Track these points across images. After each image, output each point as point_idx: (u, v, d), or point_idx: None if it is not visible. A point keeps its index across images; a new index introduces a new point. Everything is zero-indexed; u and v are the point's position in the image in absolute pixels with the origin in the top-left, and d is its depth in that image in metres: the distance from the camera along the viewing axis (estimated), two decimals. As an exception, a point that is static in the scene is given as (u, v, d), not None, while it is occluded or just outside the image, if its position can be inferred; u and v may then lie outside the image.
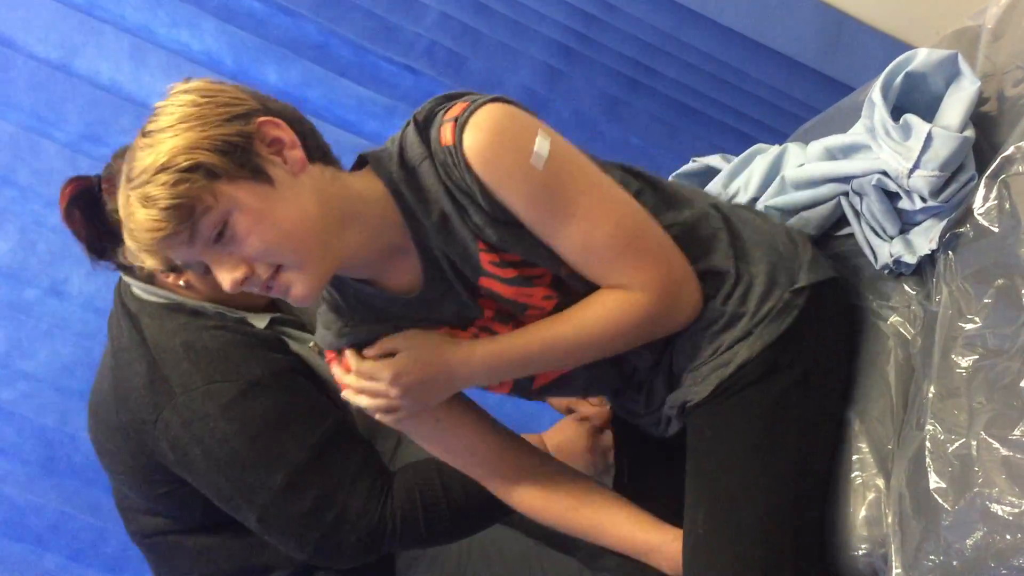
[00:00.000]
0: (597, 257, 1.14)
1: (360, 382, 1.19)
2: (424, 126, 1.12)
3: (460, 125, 1.08)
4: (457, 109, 1.10)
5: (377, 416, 1.22)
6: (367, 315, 1.21)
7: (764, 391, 1.19)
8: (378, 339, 1.21)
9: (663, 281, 1.16)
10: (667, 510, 1.28)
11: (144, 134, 1.06)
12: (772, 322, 1.20)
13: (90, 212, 1.41)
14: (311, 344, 1.49)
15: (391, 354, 1.19)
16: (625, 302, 1.15)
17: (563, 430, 1.63)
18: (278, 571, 1.49)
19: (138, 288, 1.46)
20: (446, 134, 1.09)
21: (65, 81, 2.16)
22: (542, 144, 1.09)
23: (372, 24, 2.31)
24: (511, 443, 1.32)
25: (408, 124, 1.14)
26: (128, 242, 1.06)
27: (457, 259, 1.16)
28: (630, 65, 2.45)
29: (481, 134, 1.07)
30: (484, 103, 1.09)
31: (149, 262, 1.06)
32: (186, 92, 1.07)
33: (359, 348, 1.21)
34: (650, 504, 1.31)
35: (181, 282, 1.43)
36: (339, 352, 1.23)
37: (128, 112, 2.18)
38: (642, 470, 1.36)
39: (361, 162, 1.17)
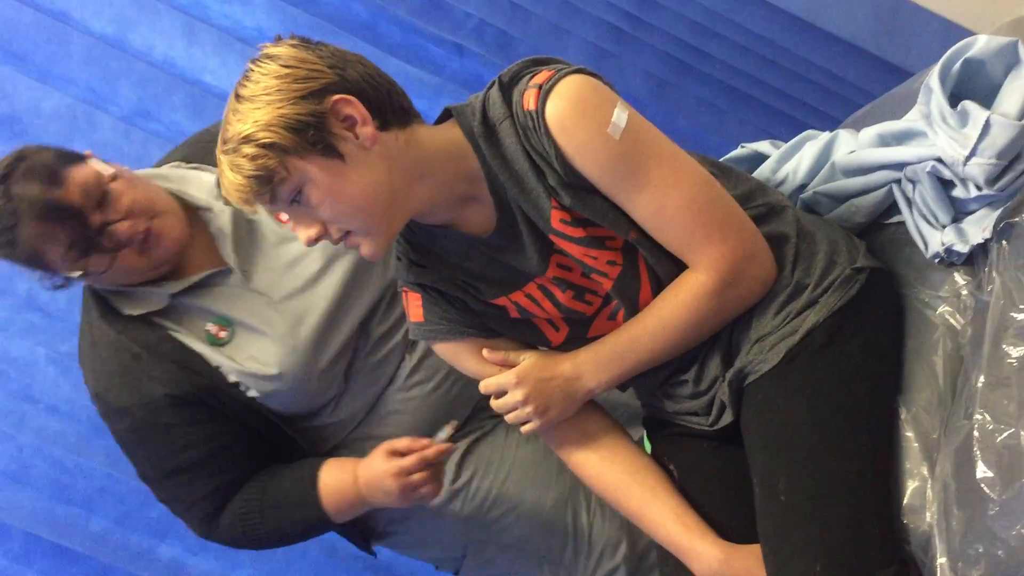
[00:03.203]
0: (669, 225, 1.19)
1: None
2: (508, 87, 1.18)
3: (544, 92, 1.13)
4: (542, 76, 1.15)
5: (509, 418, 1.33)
6: (432, 258, 1.29)
7: (832, 355, 1.22)
8: (437, 284, 1.29)
9: (730, 257, 1.20)
10: (719, 511, 1.30)
11: (236, 97, 1.13)
12: (836, 291, 1.24)
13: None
14: (208, 326, 1.51)
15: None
16: (693, 287, 1.22)
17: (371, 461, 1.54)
18: None
19: None
20: (529, 100, 1.14)
21: (120, 57, 2.19)
22: (620, 115, 1.14)
23: (421, 3, 2.32)
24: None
25: (493, 83, 1.19)
26: (224, 195, 1.15)
27: (530, 212, 1.21)
28: (679, 47, 2.43)
29: (563, 103, 1.13)
30: (568, 73, 1.14)
31: (244, 209, 1.16)
32: (271, 59, 1.13)
33: (420, 289, 1.31)
34: (703, 506, 1.31)
35: (75, 273, 1.43)
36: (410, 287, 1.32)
37: (180, 89, 2.21)
38: (691, 473, 1.36)
39: (446, 114, 1.23)
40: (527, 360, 1.31)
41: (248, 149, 1.09)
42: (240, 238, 1.52)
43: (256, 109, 1.10)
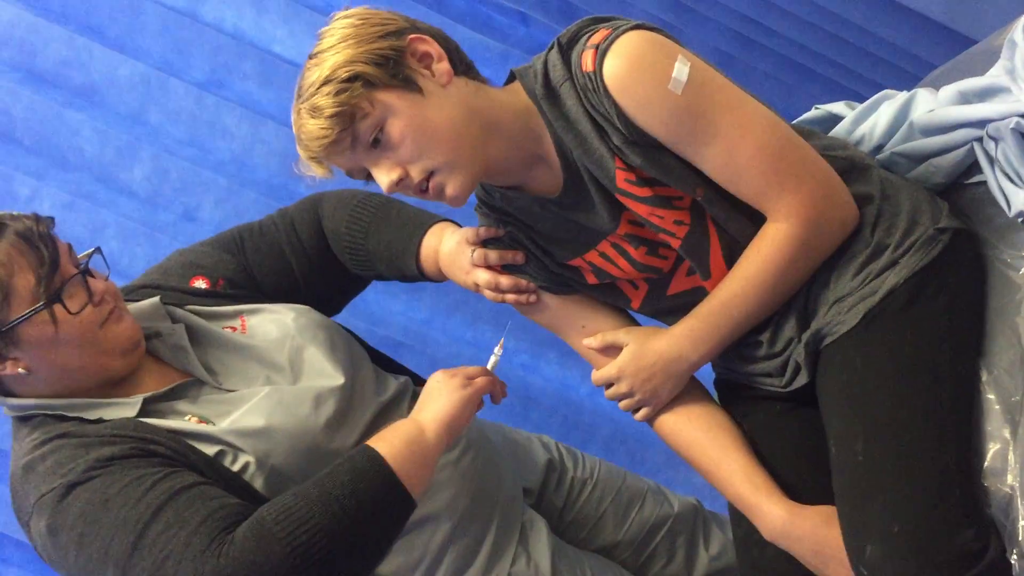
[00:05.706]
0: (741, 176, 1.18)
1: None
2: (567, 49, 1.18)
3: (601, 52, 1.13)
4: (599, 36, 1.15)
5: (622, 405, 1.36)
6: (509, 216, 1.32)
7: (913, 316, 1.19)
8: (508, 245, 1.33)
9: (808, 202, 1.18)
10: (791, 473, 1.29)
11: (311, 56, 1.17)
12: (917, 252, 1.21)
13: None
14: (188, 418, 1.33)
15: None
16: (775, 238, 1.20)
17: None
18: None
19: None
20: (587, 61, 1.14)
21: (191, 27, 2.23)
22: (681, 70, 1.13)
23: (486, -28, 2.32)
24: None
25: (553, 45, 1.20)
26: (300, 152, 1.17)
27: (596, 172, 1.21)
28: (745, 22, 2.40)
29: (620, 61, 1.12)
30: (626, 30, 1.14)
31: (318, 171, 1.18)
32: (345, 17, 1.18)
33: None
34: (774, 467, 1.30)
35: (20, 369, 1.30)
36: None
37: (251, 57, 2.25)
38: (762, 434, 1.35)
39: (511, 78, 1.25)
40: (625, 350, 1.33)
41: (329, 88, 1.12)
42: (200, 348, 1.40)
43: (334, 55, 1.13)
